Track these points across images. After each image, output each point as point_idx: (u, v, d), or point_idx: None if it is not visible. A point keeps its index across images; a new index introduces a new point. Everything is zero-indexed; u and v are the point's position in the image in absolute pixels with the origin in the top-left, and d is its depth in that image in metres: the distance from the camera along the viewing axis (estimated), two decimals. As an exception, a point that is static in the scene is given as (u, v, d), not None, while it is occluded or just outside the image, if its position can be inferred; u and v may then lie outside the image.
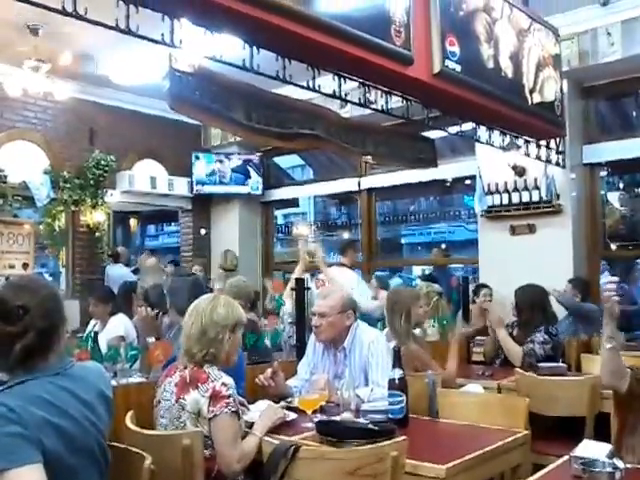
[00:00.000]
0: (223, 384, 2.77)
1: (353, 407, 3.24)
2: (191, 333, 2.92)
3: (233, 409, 2.75)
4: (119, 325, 5.57)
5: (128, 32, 3.07)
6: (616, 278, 2.74)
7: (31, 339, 1.96)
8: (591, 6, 6.55)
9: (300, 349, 4.30)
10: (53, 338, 2.03)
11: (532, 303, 4.97)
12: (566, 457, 2.38)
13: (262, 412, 3.08)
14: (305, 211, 12.62)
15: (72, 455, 1.94)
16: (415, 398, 3.36)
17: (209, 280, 8.40)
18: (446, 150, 7.99)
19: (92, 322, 6.05)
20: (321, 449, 2.55)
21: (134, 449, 2.37)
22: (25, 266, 8.21)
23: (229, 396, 2.75)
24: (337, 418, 3.09)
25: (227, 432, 2.74)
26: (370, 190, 9.23)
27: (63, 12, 2.89)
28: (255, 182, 10.01)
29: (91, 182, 8.62)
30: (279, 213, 11.41)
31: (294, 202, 11.30)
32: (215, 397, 2.74)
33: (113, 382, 3.60)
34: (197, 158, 9.86)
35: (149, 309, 4.68)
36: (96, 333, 5.57)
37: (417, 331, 4.53)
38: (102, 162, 8.64)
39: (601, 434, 3.37)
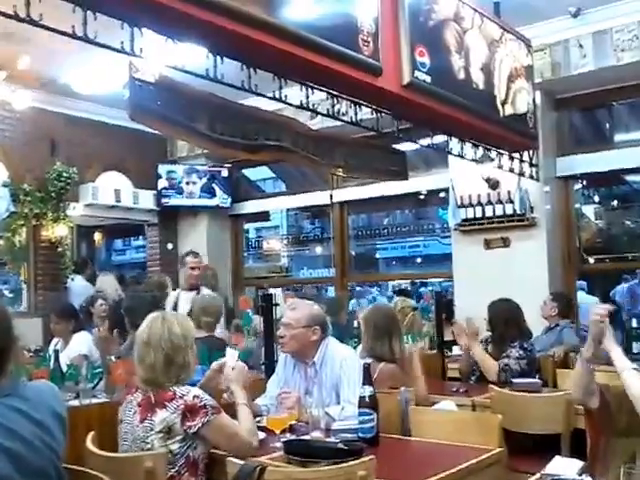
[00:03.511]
0: (195, 396, 2.83)
1: (323, 426, 3.25)
2: (155, 364, 2.89)
3: (214, 412, 2.82)
4: (82, 343, 5.51)
5: (86, 39, 3.04)
6: (609, 307, 2.74)
7: None
8: (562, 17, 6.66)
9: (268, 366, 4.29)
10: (5, 359, 2.00)
11: (506, 318, 5.03)
12: (537, 475, 2.41)
13: (230, 380, 3.21)
14: (277, 225, 12.62)
15: (25, 478, 1.91)
16: (387, 416, 3.37)
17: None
18: (419, 162, 8.06)
19: (54, 340, 5.98)
20: (288, 470, 2.55)
21: (94, 472, 2.35)
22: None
23: (205, 405, 2.81)
24: (306, 437, 3.10)
25: (226, 430, 2.87)
26: (342, 203, 9.26)
27: (15, 17, 2.84)
28: (223, 195, 9.99)
29: (52, 195, 8.52)
30: (250, 227, 11.39)
31: (265, 216, 11.29)
32: (191, 411, 2.78)
33: (75, 402, 3.58)
34: (163, 170, 9.81)
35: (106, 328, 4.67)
36: (57, 352, 5.53)
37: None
38: (64, 174, 8.54)
39: (578, 451, 3.40)
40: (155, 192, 9.80)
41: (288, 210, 11.11)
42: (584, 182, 8.01)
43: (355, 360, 3.82)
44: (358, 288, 11.06)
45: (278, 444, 2.99)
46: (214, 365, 3.37)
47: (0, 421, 1.90)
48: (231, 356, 3.72)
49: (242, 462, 2.51)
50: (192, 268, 5.91)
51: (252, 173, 10.86)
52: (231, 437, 2.87)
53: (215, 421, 2.82)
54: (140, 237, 12.74)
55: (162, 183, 9.79)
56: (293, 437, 3.11)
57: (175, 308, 5.65)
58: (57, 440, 2.06)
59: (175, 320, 3.02)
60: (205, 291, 5.95)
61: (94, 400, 3.87)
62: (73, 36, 3.01)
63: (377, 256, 12.90)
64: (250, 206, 10.32)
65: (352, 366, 3.72)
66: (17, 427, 1.94)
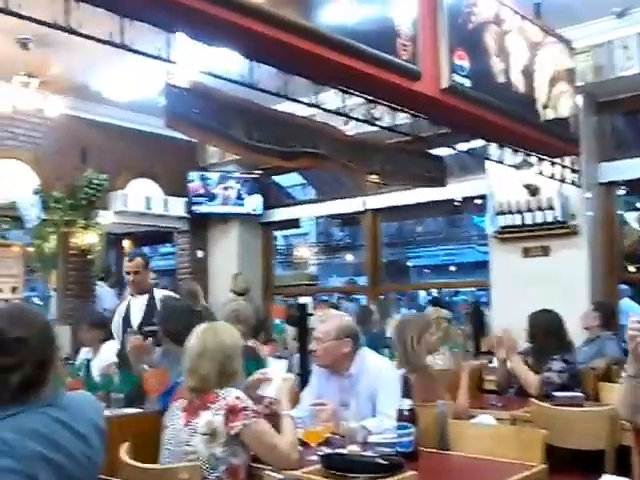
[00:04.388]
0: (236, 397, 2.89)
1: (360, 439, 3.23)
2: (208, 375, 2.97)
3: (254, 415, 2.87)
4: (112, 352, 5.54)
5: (122, 46, 3.07)
6: None
7: (28, 371, 1.96)
8: (607, 18, 6.56)
9: (303, 377, 4.28)
10: (48, 370, 2.03)
11: (547, 329, 4.96)
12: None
13: (276, 389, 3.24)
14: (307, 232, 12.62)
15: None
16: (425, 430, 3.34)
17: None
18: (455, 168, 8.00)
19: (84, 349, 6.03)
20: (326, 484, 2.53)
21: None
22: (14, 290, 8.19)
23: (245, 407, 2.86)
24: (343, 451, 3.08)
25: (265, 437, 2.89)
26: (375, 210, 9.22)
27: (56, 26, 2.89)
28: (254, 202, 10.01)
29: (83, 202, 8.60)
30: (279, 234, 11.39)
31: (295, 223, 11.29)
32: (232, 412, 2.84)
33: (107, 412, 3.59)
34: (194, 177, 9.86)
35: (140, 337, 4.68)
36: (88, 361, 5.58)
37: (429, 359, 4.52)
38: (94, 181, 8.61)
39: (621, 469, 3.34)
40: (186, 199, 9.85)
41: (317, 218, 11.10)
42: (627, 188, 7.89)
43: (393, 371, 3.80)
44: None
45: (315, 457, 2.97)
46: (258, 374, 3.40)
47: (44, 432, 1.92)
48: (279, 367, 3.74)
49: (281, 476, 2.51)
50: (127, 273, 5.44)
51: (283, 180, 10.88)
52: (271, 447, 2.89)
53: (255, 426, 2.86)
54: (168, 244, 12.78)
55: (194, 189, 9.83)
56: (330, 451, 3.09)
57: (127, 315, 5.36)
58: (97, 452, 2.08)
59: (225, 331, 3.16)
60: (159, 293, 5.55)
61: (126, 410, 3.90)
62: (111, 43, 3.04)
63: (409, 264, 12.84)
64: (280, 213, 10.34)
65: (390, 378, 3.70)
66: (60, 439, 1.95)
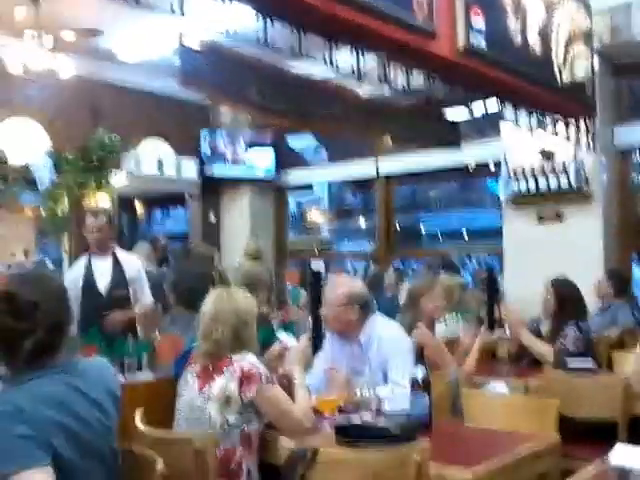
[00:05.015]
0: (250, 363, 2.88)
1: (373, 408, 3.19)
2: (221, 339, 2.95)
3: (269, 381, 2.87)
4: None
5: (136, 1, 3.00)
6: None
7: (41, 336, 1.96)
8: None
9: (316, 342, 4.24)
10: (62, 335, 2.04)
11: (569, 298, 4.90)
12: (599, 462, 2.30)
13: (289, 358, 3.32)
14: (319, 196, 12.53)
15: (82, 457, 1.95)
16: (437, 398, 3.29)
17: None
18: (470, 133, 7.87)
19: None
20: (341, 453, 2.49)
21: (145, 451, 2.35)
22: (26, 253, 8.19)
23: (260, 373, 2.85)
24: (356, 419, 3.05)
25: (278, 403, 2.89)
26: (388, 177, 9.13)
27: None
28: (267, 163, 9.92)
29: (95, 164, 8.51)
30: (292, 199, 11.32)
31: (307, 187, 11.21)
32: (247, 378, 2.83)
33: (120, 378, 3.58)
34: (205, 136, 9.77)
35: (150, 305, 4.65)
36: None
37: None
38: (106, 142, 8.52)
39: (635, 439, 3.28)
40: (198, 160, 9.78)
41: (330, 183, 10.99)
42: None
43: (404, 339, 3.73)
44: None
45: (327, 425, 2.96)
46: (274, 350, 3.39)
47: (60, 399, 1.93)
48: (287, 339, 3.73)
49: (294, 445, 2.50)
50: (90, 231, 5.01)
51: (295, 142, 10.76)
52: (284, 413, 2.89)
53: (270, 391, 2.86)
54: (180, 208, 12.73)
55: (205, 150, 9.75)
56: (343, 419, 3.06)
57: (90, 277, 4.95)
58: (112, 419, 2.10)
59: (239, 295, 3.12)
60: (122, 253, 5.25)
61: (140, 376, 3.88)
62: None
63: (422, 229, 12.76)
64: (293, 176, 10.26)
65: (401, 345, 3.65)
66: (74, 404, 1.96)
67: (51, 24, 7.00)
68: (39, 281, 2.08)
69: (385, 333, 3.69)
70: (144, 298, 5.12)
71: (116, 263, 5.07)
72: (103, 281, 4.96)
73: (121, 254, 5.20)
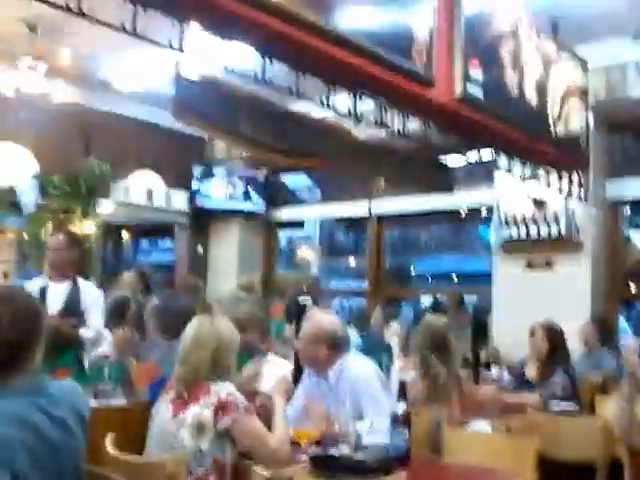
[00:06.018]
0: (228, 393, 2.88)
1: (351, 441, 3.26)
2: (200, 364, 2.97)
3: (246, 412, 2.88)
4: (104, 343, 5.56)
5: (134, 34, 3.08)
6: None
7: (0, 350, 1.97)
8: (622, 39, 6.59)
9: (297, 376, 4.31)
10: (26, 353, 2.03)
11: (558, 342, 5.03)
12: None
13: (272, 387, 3.27)
14: (310, 234, 12.62)
15: (45, 477, 1.94)
16: (418, 434, 3.37)
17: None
18: (463, 178, 8.04)
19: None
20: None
21: (115, 476, 2.38)
22: (6, 275, 8.19)
23: (237, 404, 2.86)
24: (334, 451, 3.11)
25: (254, 432, 2.89)
26: (380, 217, 9.27)
27: (67, 9, 2.90)
28: (258, 200, 10.04)
29: (83, 191, 8.56)
30: (282, 234, 11.41)
31: (299, 223, 11.31)
32: (223, 408, 2.83)
33: (94, 403, 3.63)
34: (198, 171, 9.87)
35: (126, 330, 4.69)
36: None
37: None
38: (96, 170, 8.58)
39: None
40: (188, 193, 9.86)
41: (322, 221, 11.09)
42: (632, 207, 7.93)
43: (373, 375, 3.76)
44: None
45: (304, 457, 2.99)
46: (251, 369, 3.43)
47: (24, 418, 1.93)
48: (280, 364, 3.78)
49: (269, 474, 2.55)
50: (50, 251, 4.97)
51: (289, 180, 10.89)
52: (261, 443, 2.89)
53: (246, 421, 2.86)
54: (168, 238, 12.78)
55: (197, 184, 9.85)
56: (320, 450, 3.12)
57: (42, 299, 4.69)
58: (77, 439, 2.09)
59: (221, 322, 3.14)
60: (84, 283, 5.17)
61: (113, 401, 3.93)
62: (123, 31, 3.06)
63: (412, 271, 12.85)
64: (285, 213, 10.36)
65: (371, 382, 3.68)
66: (40, 425, 1.96)
67: (47, 51, 7.13)
68: (5, 298, 2.07)
69: (356, 373, 3.70)
70: (93, 325, 4.99)
71: (74, 289, 4.98)
72: (55, 305, 4.83)
73: (82, 281, 5.11)
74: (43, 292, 4.82)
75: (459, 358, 6.12)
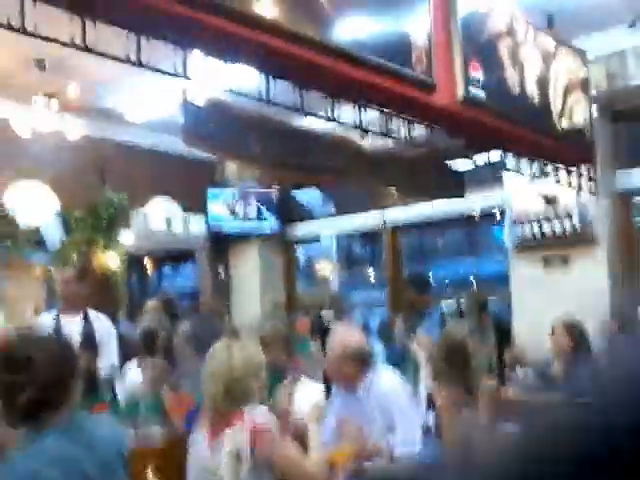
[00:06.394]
0: (261, 416, 2.87)
1: (385, 455, 3.21)
2: (216, 395, 2.95)
3: (280, 436, 2.86)
4: (137, 374, 5.54)
5: (139, 65, 3.10)
6: None
7: (36, 391, 1.97)
8: (619, 27, 6.54)
9: (327, 393, 4.26)
10: (62, 391, 2.05)
11: (583, 336, 4.96)
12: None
13: (306, 416, 3.25)
14: (327, 248, 12.59)
15: None
16: (449, 443, 3.31)
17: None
18: (472, 181, 7.97)
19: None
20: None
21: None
22: (36, 311, 8.21)
23: (271, 428, 2.84)
24: (369, 466, 3.07)
25: (290, 457, 2.86)
26: (395, 227, 9.23)
27: (73, 45, 2.93)
28: (273, 219, 10.04)
29: (103, 222, 8.64)
30: (299, 250, 11.39)
31: (315, 239, 11.29)
32: (258, 434, 2.79)
33: (132, 436, 3.60)
34: (212, 194, 9.90)
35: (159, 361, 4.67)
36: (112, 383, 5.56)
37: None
38: (114, 200, 8.65)
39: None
40: (205, 217, 9.88)
41: (338, 235, 11.07)
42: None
43: (401, 388, 3.75)
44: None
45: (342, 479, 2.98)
46: (283, 392, 3.40)
47: (64, 456, 1.93)
48: (316, 390, 3.74)
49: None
50: (62, 287, 4.88)
51: (301, 195, 10.89)
52: (298, 467, 2.86)
53: (282, 447, 2.84)
54: (189, 264, 12.80)
55: (212, 207, 9.87)
56: (357, 466, 3.07)
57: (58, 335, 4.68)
58: (118, 475, 2.10)
59: (238, 350, 3.05)
60: (94, 314, 5.14)
61: (151, 432, 3.90)
62: (128, 62, 3.08)
63: (430, 278, 12.75)
64: (300, 229, 10.35)
65: (400, 395, 3.66)
66: (79, 462, 1.96)
67: (57, 88, 7.19)
68: (38, 338, 2.13)
69: (385, 386, 3.68)
70: (108, 359, 4.98)
71: (86, 323, 4.91)
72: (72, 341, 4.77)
73: (92, 314, 5.05)
74: (57, 329, 4.71)
75: (484, 362, 6.06)
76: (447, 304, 9.83)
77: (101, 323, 5.10)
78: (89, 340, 4.81)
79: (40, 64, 6.91)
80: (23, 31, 2.77)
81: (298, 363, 4.70)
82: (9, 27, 2.73)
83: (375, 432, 3.41)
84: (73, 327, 4.81)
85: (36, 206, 8.21)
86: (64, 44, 2.95)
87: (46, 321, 4.80)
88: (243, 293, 10.12)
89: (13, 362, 1.99)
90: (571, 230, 7.09)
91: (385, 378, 3.77)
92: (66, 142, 8.05)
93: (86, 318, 4.92)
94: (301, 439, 3.08)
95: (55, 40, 2.94)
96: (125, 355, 5.67)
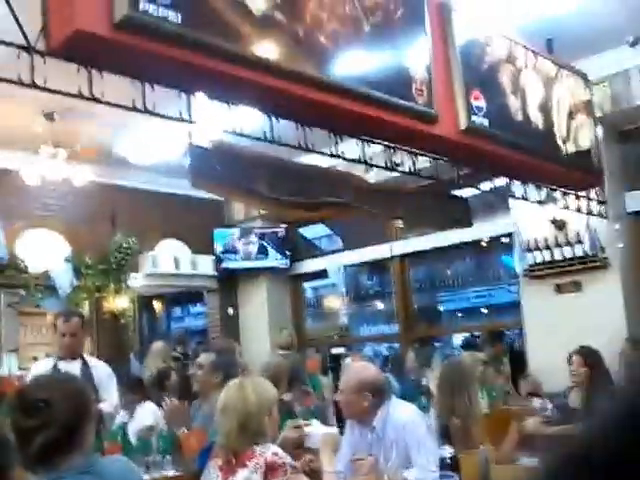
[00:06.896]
0: (274, 453, 2.85)
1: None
2: (230, 432, 2.94)
3: (294, 471, 2.84)
4: (148, 414, 5.54)
5: (145, 111, 3.13)
6: None
7: (52, 433, 1.97)
8: (620, 47, 6.53)
9: (341, 429, 4.23)
10: (77, 434, 2.04)
11: (599, 364, 4.90)
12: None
13: (319, 443, 3.31)
14: (335, 282, 12.56)
15: None
16: (466, 476, 3.27)
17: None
18: (480, 209, 7.95)
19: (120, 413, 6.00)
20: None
21: None
22: (48, 357, 8.21)
23: (284, 463, 2.82)
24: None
25: None
26: (403, 256, 9.19)
27: (81, 97, 2.95)
28: (281, 256, 10.04)
29: (114, 266, 8.68)
30: (307, 286, 11.37)
31: (323, 273, 11.27)
32: (271, 469, 2.79)
33: (146, 476, 3.57)
34: (220, 234, 9.93)
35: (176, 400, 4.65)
36: (125, 424, 5.56)
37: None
38: (124, 245, 8.71)
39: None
40: (213, 257, 9.90)
41: (346, 267, 11.06)
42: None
43: (419, 421, 3.70)
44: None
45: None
46: (294, 427, 3.37)
47: None
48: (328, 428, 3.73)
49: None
50: (63, 335, 4.85)
51: (309, 232, 10.90)
52: None
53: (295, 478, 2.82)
54: (198, 304, 12.83)
55: (219, 246, 9.88)
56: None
57: None
58: None
59: (251, 386, 3.07)
60: (91, 359, 5.22)
61: (165, 472, 3.87)
62: (134, 109, 3.10)
63: (440, 308, 12.71)
64: (308, 265, 10.34)
65: (417, 428, 3.60)
66: None
67: (66, 137, 7.27)
68: (54, 381, 2.14)
69: (401, 419, 3.63)
70: (110, 400, 4.97)
71: (85, 368, 4.91)
72: None
73: (90, 359, 5.10)
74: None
75: (500, 392, 6.00)
76: (457, 336, 9.78)
77: (99, 367, 5.13)
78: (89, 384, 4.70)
79: (49, 116, 7.01)
80: (34, 86, 2.80)
81: (311, 401, 4.68)
82: (20, 83, 2.76)
83: (391, 466, 3.36)
84: (73, 373, 4.71)
85: (46, 252, 8.27)
86: (73, 95, 2.98)
87: (45, 367, 4.80)
88: (252, 329, 10.12)
89: (28, 405, 1.99)
90: (582, 255, 7.01)
91: (402, 411, 3.72)
92: (75, 188, 8.12)
93: (84, 363, 4.94)
94: (315, 474, 3.06)
95: (63, 93, 2.96)
96: (134, 395, 5.70)
